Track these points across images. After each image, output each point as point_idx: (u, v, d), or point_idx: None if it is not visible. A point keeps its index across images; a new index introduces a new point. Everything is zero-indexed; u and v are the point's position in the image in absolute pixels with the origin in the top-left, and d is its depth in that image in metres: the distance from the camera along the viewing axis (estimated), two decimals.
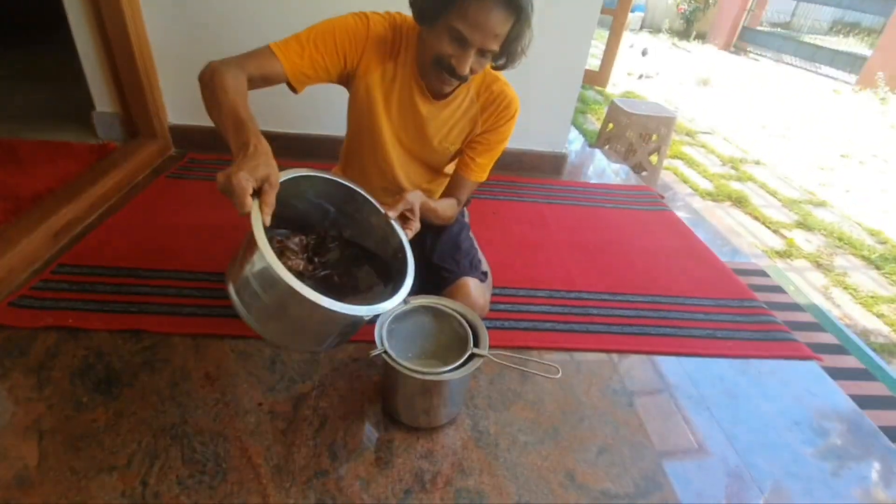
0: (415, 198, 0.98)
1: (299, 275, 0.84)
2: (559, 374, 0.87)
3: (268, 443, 0.93)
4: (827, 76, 7.71)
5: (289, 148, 1.98)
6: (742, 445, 1.05)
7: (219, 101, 0.81)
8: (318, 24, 0.99)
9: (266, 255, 0.68)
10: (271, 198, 0.70)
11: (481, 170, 1.21)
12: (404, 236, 0.92)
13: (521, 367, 0.91)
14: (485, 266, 1.36)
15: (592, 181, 2.24)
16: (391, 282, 0.92)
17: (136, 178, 1.72)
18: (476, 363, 0.89)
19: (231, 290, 0.78)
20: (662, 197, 2.18)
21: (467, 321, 0.97)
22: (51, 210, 1.39)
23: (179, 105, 1.90)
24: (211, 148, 1.96)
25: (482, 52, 0.94)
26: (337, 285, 0.90)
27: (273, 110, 1.92)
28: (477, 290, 1.20)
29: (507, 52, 0.98)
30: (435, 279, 1.23)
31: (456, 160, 1.26)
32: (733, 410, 1.14)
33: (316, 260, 0.90)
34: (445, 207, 1.21)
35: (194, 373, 1.05)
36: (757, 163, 4.08)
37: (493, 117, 1.15)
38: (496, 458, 0.95)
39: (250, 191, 0.68)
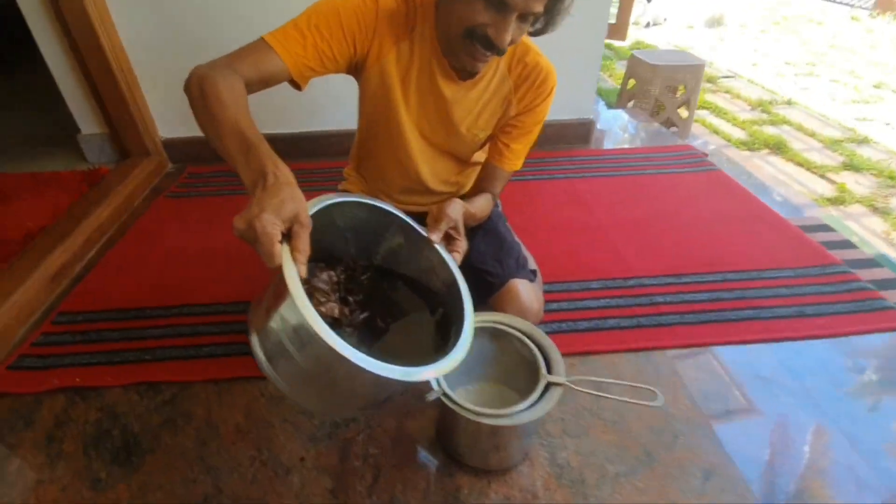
0: (456, 212, 0.82)
1: (335, 322, 0.69)
2: (660, 401, 0.72)
3: None
4: (842, 3, 7.22)
5: (289, 151, 1.82)
6: (867, 447, 0.89)
7: (215, 119, 0.64)
8: (317, 5, 0.81)
9: (307, 316, 0.52)
10: (305, 242, 0.55)
11: (517, 157, 1.03)
12: (454, 264, 0.77)
13: (608, 394, 0.75)
14: (532, 262, 1.20)
15: (625, 146, 2.03)
16: (439, 307, 0.77)
17: (133, 203, 1.58)
18: (554, 395, 0.73)
19: (255, 344, 0.63)
20: (706, 155, 1.98)
21: (532, 340, 0.81)
22: (44, 251, 1.26)
23: (169, 117, 1.74)
24: (210, 159, 1.80)
25: (523, 17, 0.75)
26: (381, 329, 0.74)
27: (269, 108, 1.75)
28: (528, 293, 1.04)
29: (552, 13, 0.79)
30: (477, 285, 1.07)
31: (486, 147, 1.09)
32: (847, 406, 0.98)
33: (350, 300, 0.74)
34: (483, 207, 1.04)
35: (223, 426, 0.92)
36: (788, 103, 3.79)
37: (529, 95, 0.97)
38: (585, 497, 0.81)
39: (279, 237, 0.53)
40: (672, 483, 0.83)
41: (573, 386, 0.74)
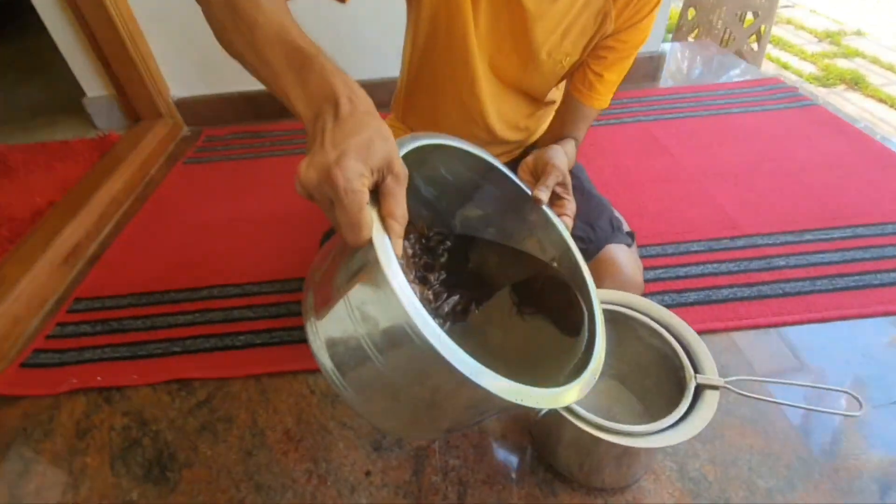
0: (563, 161, 0.63)
1: None
2: (861, 411, 0.52)
3: None
4: None
5: None
6: None
7: (248, 22, 0.43)
8: None
9: (413, 318, 0.34)
10: (402, 203, 0.38)
11: (608, 91, 0.81)
12: (565, 232, 0.58)
13: (786, 401, 0.56)
14: (626, 224, 0.99)
15: (698, 83, 1.75)
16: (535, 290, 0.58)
17: (148, 172, 1.41)
18: (711, 403, 0.54)
19: (317, 342, 0.44)
20: (796, 89, 1.68)
21: (667, 328, 0.62)
22: (54, 230, 1.10)
23: (181, 73, 1.54)
24: (229, 119, 1.61)
25: None
26: (473, 321, 0.56)
27: None
28: (628, 261, 0.83)
29: None
30: None
31: (562, 84, 0.88)
32: None
33: (431, 279, 0.55)
34: (572, 156, 0.84)
35: (270, 433, 0.76)
36: (858, 34, 3.34)
37: (632, 7, 0.73)
38: None
39: (367, 196, 0.35)
40: (842, 499, 0.64)
41: (738, 391, 0.54)
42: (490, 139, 0.90)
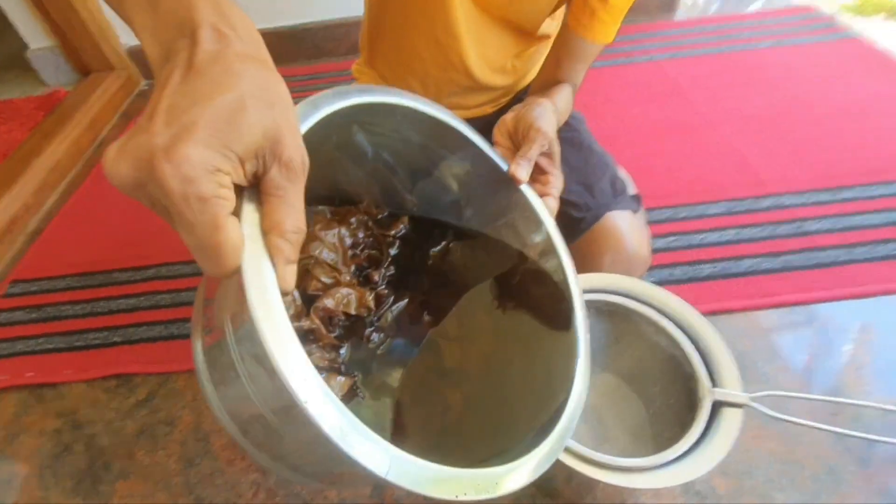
0: (549, 122, 0.50)
1: (353, 325, 0.40)
2: None
3: None
4: None
5: (281, 53, 1.43)
6: None
7: None
8: None
9: (293, 388, 0.22)
10: (295, 211, 0.25)
11: (614, 20, 0.64)
12: (547, 216, 0.45)
13: (827, 426, 0.44)
14: (630, 186, 0.85)
15: (726, 13, 1.52)
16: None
17: (98, 133, 1.27)
18: (731, 424, 0.42)
19: (200, 362, 0.33)
20: (832, 18, 1.46)
21: (678, 323, 0.49)
22: None
23: None
24: None
25: None
26: (424, 323, 0.44)
27: None
28: (633, 231, 0.70)
29: None
30: (558, 224, 0.74)
31: (556, 15, 0.73)
32: None
33: (377, 278, 0.44)
34: (565, 109, 0.69)
35: (215, 438, 0.67)
36: None
37: None
38: None
39: (229, 204, 0.23)
40: None
41: (769, 412, 0.42)
42: (472, 85, 0.75)
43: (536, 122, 0.49)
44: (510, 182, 0.45)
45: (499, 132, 0.53)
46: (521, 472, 0.30)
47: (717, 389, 0.43)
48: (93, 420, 0.71)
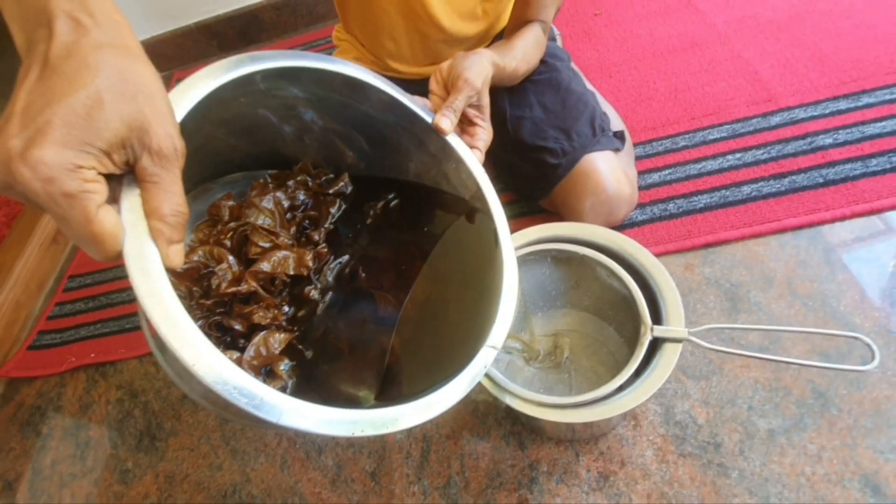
0: (478, 72, 0.50)
1: (295, 283, 0.44)
2: (874, 363, 0.39)
3: (357, 498, 0.63)
4: None
5: (268, 25, 1.43)
6: None
7: None
8: None
9: (179, 353, 0.27)
10: (172, 195, 0.27)
11: None
12: (476, 165, 0.46)
13: (772, 355, 0.44)
14: (616, 120, 0.81)
15: None
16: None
17: None
18: (668, 360, 0.43)
19: (163, 365, 0.39)
20: None
21: (624, 263, 0.50)
22: (35, 211, 1.11)
23: (124, 12, 1.42)
24: (198, 55, 1.49)
25: None
26: (365, 292, 0.47)
27: None
28: (613, 172, 0.69)
29: None
30: (532, 172, 0.74)
31: None
32: None
33: (316, 238, 0.48)
34: (529, 52, 0.67)
35: None
36: None
37: None
38: (725, 474, 0.55)
39: (98, 196, 0.25)
40: (864, 441, 0.54)
41: (707, 345, 0.43)
42: (444, 37, 0.75)
43: (465, 73, 0.49)
44: (436, 133, 0.46)
45: (434, 81, 0.53)
46: (422, 410, 0.34)
47: (657, 326, 0.44)
48: (146, 389, 0.82)
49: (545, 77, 0.76)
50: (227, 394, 0.27)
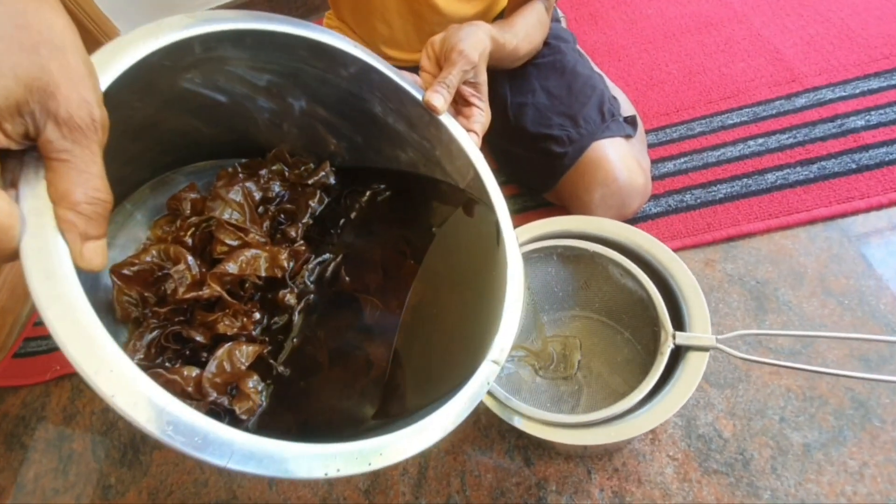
0: (474, 45, 0.44)
1: (272, 287, 0.40)
2: None
3: None
4: None
5: None
6: None
7: None
8: None
9: (96, 385, 0.22)
10: (84, 175, 0.21)
11: None
12: (473, 149, 0.41)
13: (811, 366, 0.38)
14: (626, 106, 0.76)
15: None
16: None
17: None
18: (695, 368, 0.38)
19: None
20: None
21: (642, 261, 0.44)
22: None
23: (127, 9, 1.38)
24: None
25: None
26: (349, 296, 0.42)
27: None
28: (624, 160, 0.64)
29: None
30: (536, 163, 0.69)
31: None
32: None
33: (292, 234, 0.43)
34: (531, 31, 0.62)
35: None
36: None
37: None
38: (756, 494, 0.49)
39: None
40: None
41: (739, 354, 0.37)
42: (437, 18, 0.70)
43: (459, 45, 0.44)
44: (429, 112, 0.41)
45: (425, 56, 0.47)
46: (411, 439, 0.29)
47: (680, 333, 0.38)
48: None
49: (549, 60, 0.70)
50: (161, 432, 0.22)
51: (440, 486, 0.57)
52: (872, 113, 0.70)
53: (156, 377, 0.33)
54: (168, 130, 0.37)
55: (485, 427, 0.59)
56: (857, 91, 0.73)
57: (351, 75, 0.39)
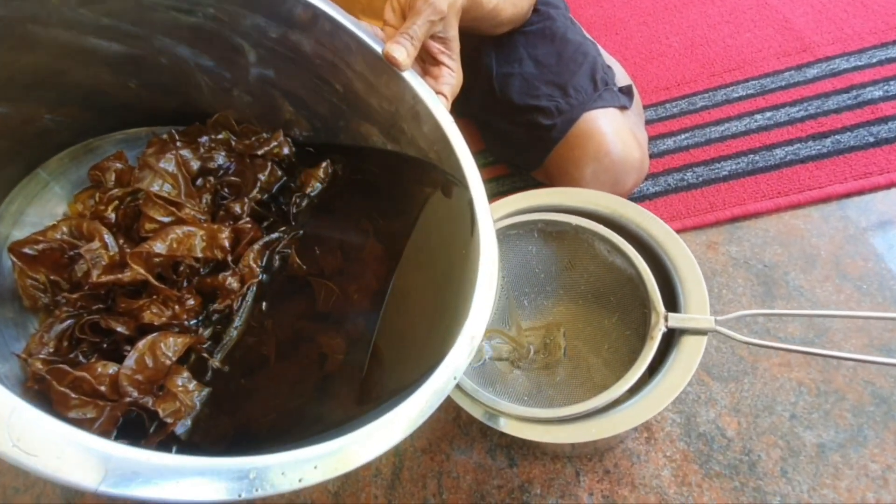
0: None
1: (215, 268, 0.36)
2: None
3: None
4: None
5: None
6: None
7: None
8: None
9: None
10: None
11: None
12: (440, 109, 0.35)
13: (814, 349, 0.33)
14: (620, 74, 0.70)
15: None
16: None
17: None
18: (690, 354, 0.32)
19: None
20: None
21: (633, 237, 0.39)
22: None
23: None
24: None
25: None
26: (301, 280, 0.38)
27: None
28: (618, 132, 0.58)
29: None
30: (523, 138, 0.63)
31: None
32: None
33: (237, 210, 0.38)
34: None
35: None
36: None
37: None
38: (764, 500, 0.44)
39: None
40: None
41: (740, 337, 0.32)
42: None
43: None
44: (392, 68, 0.35)
45: (389, 8, 0.42)
46: (350, 452, 0.24)
47: (673, 314, 0.33)
48: None
49: (538, 27, 0.65)
50: (4, 448, 0.17)
51: (415, 488, 0.52)
52: (892, 83, 0.64)
53: (60, 375, 0.29)
54: (75, 83, 0.32)
55: (465, 423, 0.54)
56: (874, 60, 0.67)
57: (298, 23, 0.34)
